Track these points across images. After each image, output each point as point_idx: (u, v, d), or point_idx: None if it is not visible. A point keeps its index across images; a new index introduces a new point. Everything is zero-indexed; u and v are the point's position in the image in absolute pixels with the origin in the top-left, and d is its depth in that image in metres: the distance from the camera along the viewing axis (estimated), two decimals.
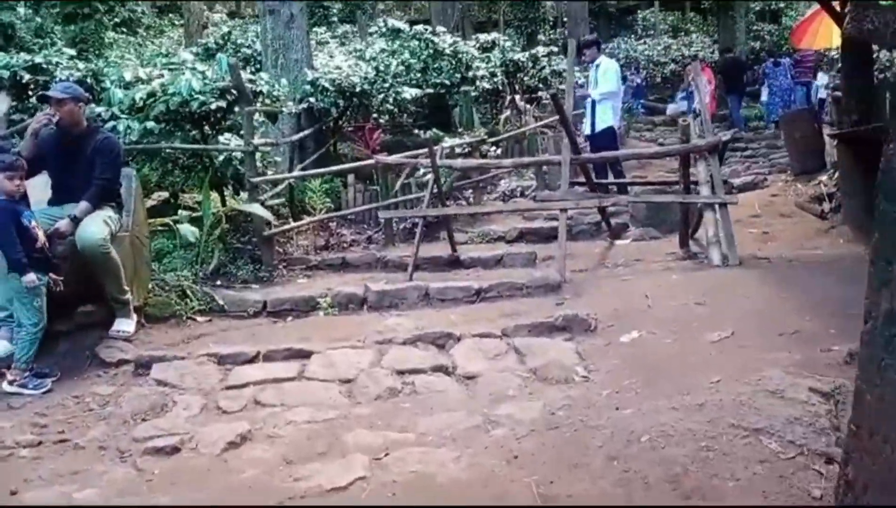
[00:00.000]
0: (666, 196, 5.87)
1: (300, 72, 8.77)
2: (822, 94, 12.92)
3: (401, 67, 9.40)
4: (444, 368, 3.85)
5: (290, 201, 7.41)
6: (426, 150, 6.27)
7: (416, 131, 9.49)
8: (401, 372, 3.82)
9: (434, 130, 10.29)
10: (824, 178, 7.35)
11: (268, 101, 6.77)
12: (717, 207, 5.25)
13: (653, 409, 2.90)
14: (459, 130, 11.92)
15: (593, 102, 7.94)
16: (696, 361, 3.46)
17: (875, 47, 6.50)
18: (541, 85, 12.99)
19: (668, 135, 16.32)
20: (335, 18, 23.58)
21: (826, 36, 9.12)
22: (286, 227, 6.62)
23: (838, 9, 6.34)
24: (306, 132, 8.34)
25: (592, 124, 7.91)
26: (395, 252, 6.81)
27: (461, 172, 6.94)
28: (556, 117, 11.89)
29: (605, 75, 8.00)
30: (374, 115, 9.06)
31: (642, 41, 27.68)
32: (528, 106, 11.72)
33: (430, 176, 6.27)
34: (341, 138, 10.19)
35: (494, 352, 3.99)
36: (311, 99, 8.35)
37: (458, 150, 8.62)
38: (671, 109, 20.29)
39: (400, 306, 5.19)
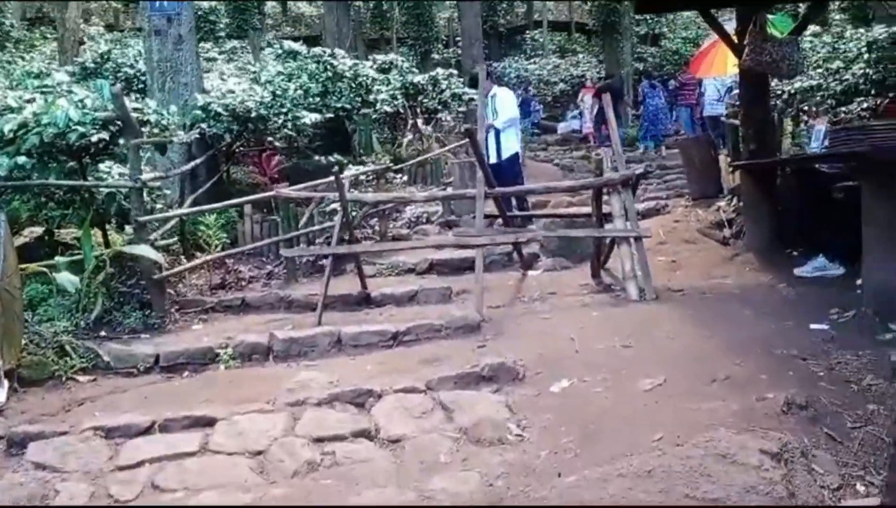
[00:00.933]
0: (581, 230, 5.82)
1: (190, 96, 8.20)
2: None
3: (299, 92, 8.98)
4: (366, 432, 3.53)
5: (181, 237, 6.85)
6: (331, 179, 5.96)
7: (315, 157, 9.07)
8: (319, 440, 3.46)
9: (335, 154, 9.93)
10: (723, 204, 7.55)
11: (156, 130, 6.23)
12: (632, 240, 5.21)
13: (599, 477, 2.71)
14: (360, 152, 11.62)
15: (497, 131, 7.92)
16: (633, 414, 3.32)
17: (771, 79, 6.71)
18: (440, 107, 12.89)
19: (562, 155, 16.66)
20: (222, 34, 22.63)
21: (721, 65, 9.50)
22: (178, 269, 6.09)
23: (735, 41, 6.53)
24: (198, 161, 7.79)
25: (498, 152, 7.90)
26: (300, 290, 6.41)
27: (372, 203, 6.62)
28: (461, 142, 11.87)
29: (504, 103, 8.07)
30: (270, 140, 8.61)
31: (532, 61, 28.32)
32: (429, 129, 11.55)
33: (335, 204, 5.94)
34: (236, 163, 9.66)
35: (420, 410, 3.70)
36: (203, 125, 7.81)
37: (362, 177, 8.31)
38: (562, 127, 20.83)
39: (310, 354, 4.82)
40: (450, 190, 9.68)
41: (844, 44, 8.23)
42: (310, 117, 8.38)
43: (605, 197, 5.55)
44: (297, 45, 10.70)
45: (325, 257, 5.71)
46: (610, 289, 5.61)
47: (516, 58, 28.81)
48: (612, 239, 5.55)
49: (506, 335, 4.71)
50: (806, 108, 7.89)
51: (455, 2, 25.46)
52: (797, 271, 5.30)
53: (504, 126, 7.94)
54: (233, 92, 8.34)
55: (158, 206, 6.56)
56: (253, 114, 8.08)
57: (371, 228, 8.40)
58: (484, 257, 5.44)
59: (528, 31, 31.68)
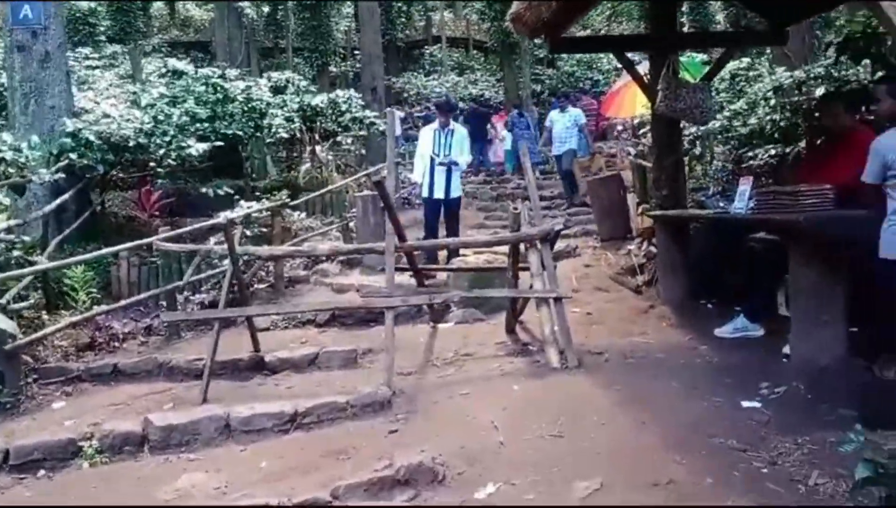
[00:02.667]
0: (498, 290, 5.42)
1: (58, 121, 7.29)
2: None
3: (185, 118, 8.18)
4: None
5: (44, 287, 5.98)
6: (219, 218, 5.32)
7: (203, 190, 8.29)
8: None
9: (226, 182, 9.16)
10: (633, 247, 7.40)
11: (11, 169, 5.37)
12: (551, 301, 4.86)
13: None
14: (253, 177, 10.87)
15: (449, 169, 7.69)
16: None
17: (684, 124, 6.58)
18: (340, 130, 12.32)
19: (477, 187, 16.32)
20: (102, 38, 20.99)
21: (630, 107, 9.48)
22: (36, 335, 5.24)
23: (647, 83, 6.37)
24: (66, 196, 6.90)
25: (448, 190, 7.73)
26: (183, 352, 5.70)
27: (267, 258, 5.98)
28: (364, 172, 11.34)
29: (463, 142, 7.91)
30: (152, 173, 7.78)
31: (431, 77, 28.09)
32: (329, 156, 10.95)
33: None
34: (113, 188, 8.73)
35: None
36: (73, 155, 6.93)
37: (255, 215, 7.62)
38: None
39: (194, 444, 4.15)
40: (352, 224, 9.14)
41: (750, 86, 8.31)
42: (196, 148, 7.62)
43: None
44: (182, 64, 9.80)
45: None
46: (528, 351, 5.24)
47: (415, 73, 28.54)
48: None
49: (420, 414, 4.23)
50: (719, 150, 7.89)
51: (355, 14, 24.89)
52: (718, 332, 5.12)
53: (463, 166, 7.99)
54: (108, 116, 7.49)
55: (15, 253, 5.68)
56: (131, 143, 7.26)
57: (265, 269, 7.74)
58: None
59: (426, 47, 31.49)
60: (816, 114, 5.82)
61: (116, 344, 5.97)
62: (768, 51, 9.99)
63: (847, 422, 3.66)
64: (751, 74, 8.57)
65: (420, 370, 5.08)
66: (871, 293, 4.36)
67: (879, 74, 5.42)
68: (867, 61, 5.98)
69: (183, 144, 7.69)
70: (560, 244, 8.34)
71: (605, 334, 5.59)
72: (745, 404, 3.96)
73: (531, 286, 5.16)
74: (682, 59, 6.46)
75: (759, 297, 5.12)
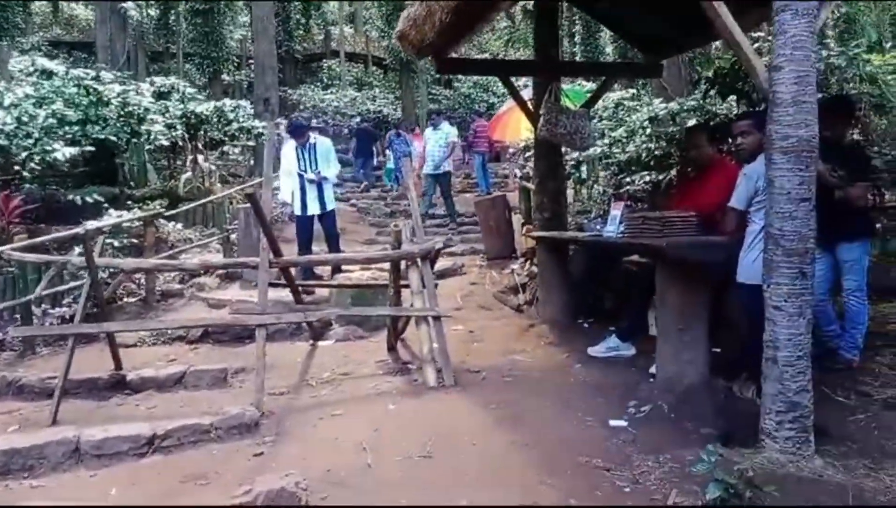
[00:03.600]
0: (379, 309, 5.33)
1: None
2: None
3: (52, 120, 7.64)
4: None
5: None
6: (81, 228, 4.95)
7: (70, 197, 7.76)
8: None
9: (98, 188, 8.62)
10: (517, 266, 7.51)
11: None
12: (430, 320, 4.82)
13: None
14: (130, 184, 10.31)
15: (320, 184, 7.56)
16: None
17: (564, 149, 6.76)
18: (227, 139, 11.91)
19: (360, 194, 16.24)
20: None
21: (516, 130, 9.66)
22: None
23: (531, 108, 6.50)
24: None
25: (322, 204, 7.60)
26: (36, 369, 5.28)
27: (131, 271, 5.63)
28: (249, 183, 10.97)
29: (329, 154, 7.76)
30: (14, 177, 7.21)
31: (329, 91, 27.83)
32: (211, 167, 10.54)
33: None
34: None
35: None
36: None
37: (126, 225, 7.20)
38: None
39: (39, 469, 3.81)
40: (234, 237, 8.81)
41: (629, 115, 8.66)
42: (63, 152, 7.13)
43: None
44: (52, 64, 9.16)
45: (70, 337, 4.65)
46: (407, 369, 5.16)
47: (313, 86, 28.20)
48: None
49: (288, 436, 4.07)
50: (602, 175, 8.14)
51: (251, 22, 24.34)
52: (591, 351, 5.23)
53: (333, 179, 7.83)
54: None
55: None
56: None
57: (136, 282, 7.31)
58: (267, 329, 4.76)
59: (325, 60, 31.22)
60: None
61: None
62: (652, 83, 10.47)
63: (707, 441, 3.80)
64: (633, 104, 8.94)
65: (294, 389, 4.91)
66: (731, 316, 4.59)
67: (743, 108, 5.78)
68: (733, 97, 6.36)
69: (48, 148, 7.17)
70: (447, 262, 8.40)
71: (486, 352, 5.61)
72: (613, 423, 4.04)
73: (412, 304, 5.11)
74: (566, 87, 6.65)
75: (632, 317, 5.29)
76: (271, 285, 5.24)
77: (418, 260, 4.91)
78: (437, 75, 26.81)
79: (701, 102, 7.60)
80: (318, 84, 29.08)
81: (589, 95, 7.50)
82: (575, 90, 8.48)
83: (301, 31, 29.54)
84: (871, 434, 3.90)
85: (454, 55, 6.75)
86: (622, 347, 5.18)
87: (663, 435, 3.89)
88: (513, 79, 6.88)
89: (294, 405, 4.59)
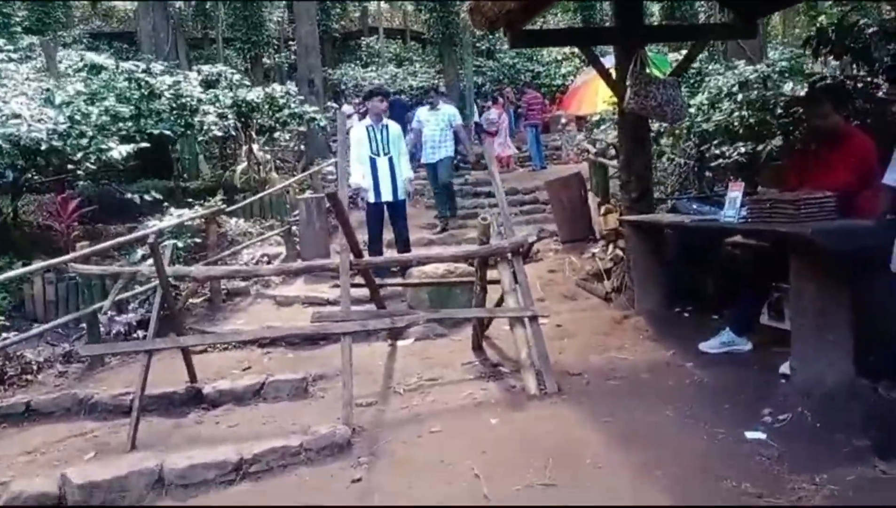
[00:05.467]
0: (469, 310, 4.92)
1: None
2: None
3: (105, 117, 7.37)
4: None
5: None
6: (147, 230, 4.64)
7: (128, 195, 7.51)
8: None
9: (154, 185, 8.37)
10: (597, 250, 7.02)
11: None
12: (526, 321, 4.40)
13: None
14: (184, 177, 10.07)
15: (393, 169, 7.16)
16: None
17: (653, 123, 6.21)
18: (278, 126, 11.57)
19: None
20: (18, 28, 19.46)
21: (591, 104, 9.11)
22: None
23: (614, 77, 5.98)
24: None
25: (394, 191, 7.19)
26: (106, 386, 5.02)
27: (202, 280, 5.32)
28: (305, 173, 10.66)
29: (399, 142, 7.38)
30: (70, 177, 6.97)
31: (369, 69, 27.37)
32: (267, 156, 10.22)
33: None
34: (31, 191, 7.86)
35: None
36: None
37: (189, 223, 6.92)
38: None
39: (120, 503, 3.53)
40: (295, 228, 8.48)
41: (705, 80, 8.03)
42: (119, 150, 6.86)
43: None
44: (101, 58, 8.88)
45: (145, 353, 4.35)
46: (499, 373, 4.76)
47: (352, 65, 27.78)
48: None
49: (386, 458, 3.70)
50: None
51: (288, 4, 23.93)
52: (703, 347, 4.74)
53: (410, 174, 7.48)
54: (18, 117, 6.63)
55: None
56: (44, 146, 6.45)
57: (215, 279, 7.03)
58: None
59: (363, 38, 30.72)
60: (799, 111, 5.52)
61: (30, 376, 5.23)
62: (728, 46, 9.77)
63: (863, 454, 3.33)
64: (714, 66, 8.29)
65: (381, 399, 4.54)
66: (875, 309, 4.05)
67: (864, 69, 5.16)
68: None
69: (103, 147, 6.91)
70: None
71: (580, 349, 5.17)
72: (750, 435, 3.57)
73: (500, 302, 4.68)
74: (650, 54, 6.08)
75: (745, 308, 4.77)
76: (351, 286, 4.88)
77: (509, 255, 4.47)
78: (481, 47, 26.13)
79: (792, 62, 6.96)
80: (358, 62, 28.61)
81: (674, 63, 6.90)
82: (659, 57, 7.87)
83: (338, 10, 29.01)
84: None
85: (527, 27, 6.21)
86: (738, 341, 4.68)
87: (811, 450, 3.41)
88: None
89: (384, 419, 4.23)
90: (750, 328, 4.71)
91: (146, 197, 7.42)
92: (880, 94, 5.21)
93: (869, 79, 5.38)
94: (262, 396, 4.74)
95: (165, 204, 7.44)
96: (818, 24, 5.68)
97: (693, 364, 4.59)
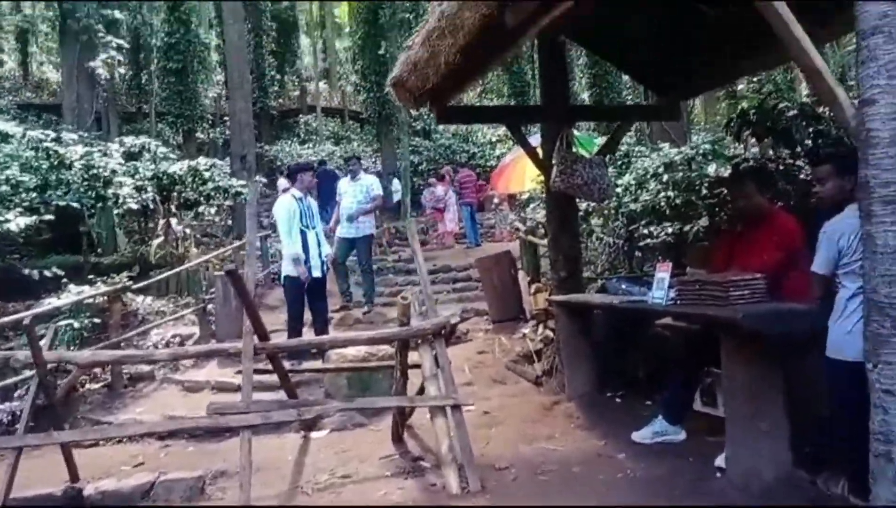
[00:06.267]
0: (387, 399, 4.54)
1: None
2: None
3: (5, 187, 6.87)
4: None
5: None
6: (39, 309, 4.14)
7: (26, 271, 6.94)
8: None
9: (55, 267, 7.78)
10: (528, 330, 6.78)
11: None
12: (449, 410, 4.06)
13: None
14: (98, 252, 9.50)
15: (318, 242, 6.98)
16: None
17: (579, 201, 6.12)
18: (202, 199, 11.16)
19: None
20: None
21: (519, 182, 9.07)
22: None
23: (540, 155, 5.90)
24: None
25: (322, 266, 6.97)
26: None
27: (87, 366, 4.81)
28: (227, 249, 10.23)
29: (319, 213, 7.25)
30: None
31: (306, 146, 27.33)
32: (186, 230, 9.77)
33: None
34: None
35: None
36: None
37: (89, 300, 6.38)
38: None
39: None
40: (211, 306, 8.00)
41: (632, 161, 8.09)
42: (17, 222, 6.34)
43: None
44: (10, 126, 8.39)
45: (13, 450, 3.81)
46: (420, 468, 4.36)
47: (289, 141, 27.71)
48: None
49: None
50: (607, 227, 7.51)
51: (224, 81, 23.83)
52: (636, 437, 4.47)
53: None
54: None
55: None
56: None
57: (102, 366, 6.45)
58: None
59: (301, 116, 30.83)
60: (724, 192, 5.50)
61: None
62: (653, 129, 9.98)
63: None
64: (636, 150, 8.39)
65: (285, 500, 4.08)
66: (809, 395, 3.89)
67: (786, 151, 5.19)
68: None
69: (1, 218, 6.38)
70: None
71: (509, 439, 4.83)
72: None
73: (421, 389, 4.34)
74: (577, 134, 6.05)
75: (676, 393, 4.54)
76: (257, 372, 4.47)
77: (430, 337, 4.17)
78: (416, 127, 26.46)
79: (716, 146, 7.05)
80: (295, 139, 28.57)
81: (598, 145, 6.91)
82: (586, 138, 7.90)
83: (276, 88, 29.12)
84: None
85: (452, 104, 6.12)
86: (671, 431, 4.43)
87: None
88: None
89: None
90: (682, 415, 4.48)
91: (46, 273, 6.87)
92: (801, 176, 5.23)
93: (791, 161, 5.42)
94: (151, 497, 4.21)
95: (64, 280, 6.88)
96: (740, 108, 5.74)
97: (625, 456, 4.31)
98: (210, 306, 7.92)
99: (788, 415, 3.56)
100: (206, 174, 10.84)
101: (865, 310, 2.96)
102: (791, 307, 3.45)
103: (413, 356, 4.47)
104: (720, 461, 3.82)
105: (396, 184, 19.04)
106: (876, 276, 2.90)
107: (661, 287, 3.99)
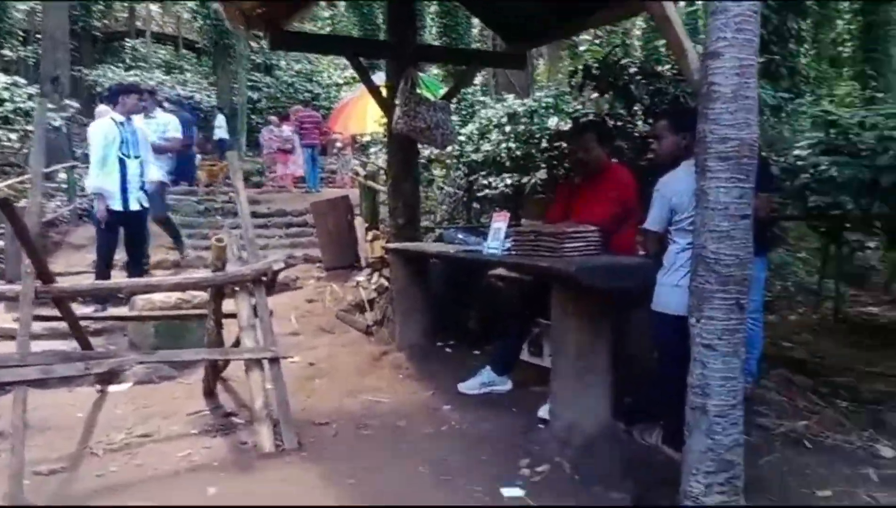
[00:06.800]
0: (195, 351, 4.05)
1: None
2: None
3: None
4: None
5: None
6: None
7: None
8: None
9: None
10: (362, 278, 6.50)
11: None
12: (266, 363, 3.71)
13: None
14: None
15: (142, 175, 6.20)
16: None
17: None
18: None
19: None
20: None
21: (360, 122, 8.59)
22: None
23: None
24: None
25: (144, 197, 6.23)
26: None
27: None
28: (20, 178, 9.00)
29: (147, 147, 6.43)
30: None
31: (133, 73, 24.99)
32: None
33: None
34: None
35: None
36: None
37: None
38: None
39: None
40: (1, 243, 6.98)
41: (476, 112, 7.96)
42: None
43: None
44: None
45: None
46: (232, 424, 3.98)
47: (114, 67, 25.18)
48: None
49: None
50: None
51: None
52: (462, 388, 4.38)
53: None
54: None
55: None
56: None
57: None
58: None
59: (129, 40, 28.08)
60: (563, 146, 5.46)
61: None
62: (497, 79, 9.89)
63: None
64: (481, 99, 8.26)
65: (71, 464, 3.55)
66: (632, 349, 3.93)
67: (624, 108, 5.20)
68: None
69: None
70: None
71: (333, 392, 4.56)
72: (507, 492, 3.18)
73: (238, 341, 3.94)
74: (422, 76, 5.74)
75: (505, 345, 4.48)
76: (42, 318, 3.85)
77: (249, 285, 3.76)
78: (257, 61, 24.99)
79: (557, 100, 7.06)
80: (121, 65, 26.00)
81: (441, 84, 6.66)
82: (432, 81, 7.59)
83: (101, 6, 26.24)
84: (786, 481, 3.37)
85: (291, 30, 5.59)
86: (498, 381, 4.37)
87: (569, 505, 3.09)
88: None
89: (70, 492, 3.26)
90: (511, 366, 4.43)
91: None
92: (637, 133, 5.29)
93: (628, 118, 5.47)
94: None
95: None
96: (584, 62, 5.70)
97: (451, 407, 4.19)
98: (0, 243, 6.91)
99: (613, 368, 3.56)
100: (5, 94, 9.43)
101: (693, 265, 2.95)
102: (626, 262, 3.42)
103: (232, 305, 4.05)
104: (543, 412, 3.79)
105: (221, 120, 17.75)
106: (705, 231, 2.88)
107: (496, 237, 3.84)
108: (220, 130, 17.65)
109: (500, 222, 3.85)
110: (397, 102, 5.15)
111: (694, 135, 3.10)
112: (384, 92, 5.52)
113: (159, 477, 3.32)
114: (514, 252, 3.70)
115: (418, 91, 5.28)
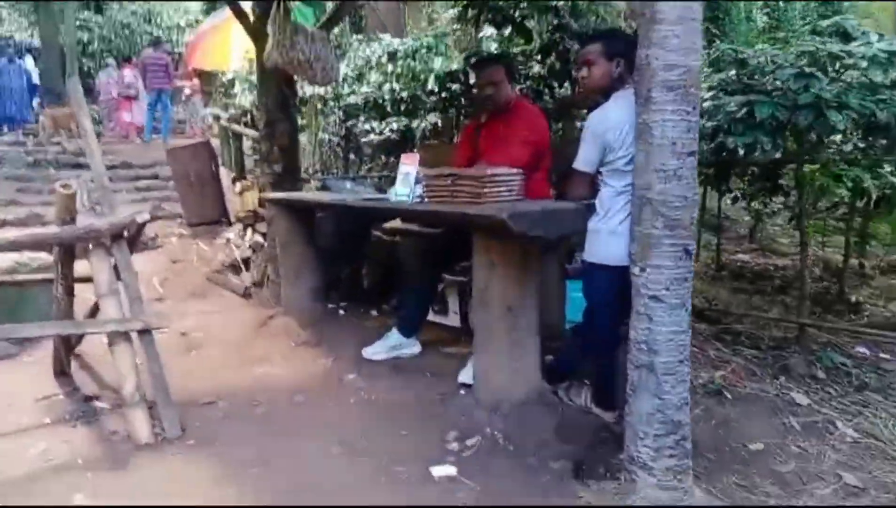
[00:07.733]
0: (42, 325, 3.27)
1: None
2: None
3: None
4: None
5: None
6: None
7: None
8: None
9: None
10: (233, 235, 5.82)
11: None
12: (134, 335, 3.08)
13: None
14: None
15: None
16: None
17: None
18: None
19: None
20: None
21: (221, 57, 7.63)
22: None
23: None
24: None
25: None
26: None
27: None
28: None
29: None
30: None
31: None
32: None
33: None
34: None
35: None
36: None
37: None
38: None
39: None
40: None
41: (347, 53, 7.36)
42: None
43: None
44: None
45: None
46: (94, 411, 3.32)
47: None
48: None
49: None
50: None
51: None
52: (367, 354, 3.93)
53: None
54: None
55: None
56: None
57: None
58: None
59: None
60: (455, 88, 5.04)
61: None
62: (368, 21, 9.27)
63: (563, 480, 2.81)
64: (352, 39, 7.65)
65: None
66: (551, 306, 3.66)
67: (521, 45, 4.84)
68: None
69: None
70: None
71: (215, 365, 3.99)
72: (437, 472, 2.81)
73: (95, 309, 3.26)
74: (296, 3, 5.09)
75: (413, 303, 4.08)
76: None
77: (107, 241, 3.08)
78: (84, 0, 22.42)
79: (438, 40, 6.62)
80: None
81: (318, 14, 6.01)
82: (304, 10, 6.87)
83: None
84: (718, 437, 3.27)
85: None
86: (406, 344, 3.97)
87: (507, 483, 2.77)
88: None
89: None
90: (419, 327, 4.04)
91: None
92: (534, 71, 4.97)
93: (523, 58, 5.14)
94: None
95: None
96: None
97: (357, 375, 3.75)
98: None
99: (540, 327, 3.27)
100: None
101: (635, 209, 2.68)
102: (561, 207, 3.08)
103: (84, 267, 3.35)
104: (465, 376, 3.45)
105: (30, 62, 15.79)
106: (650, 171, 2.61)
107: (406, 183, 3.38)
108: (34, 72, 15.68)
109: (409, 166, 3.39)
110: (269, 29, 4.50)
111: (629, 63, 2.81)
112: (251, 18, 4.83)
113: (11, 482, 2.65)
114: (426, 200, 3.27)
115: (293, 19, 4.65)
